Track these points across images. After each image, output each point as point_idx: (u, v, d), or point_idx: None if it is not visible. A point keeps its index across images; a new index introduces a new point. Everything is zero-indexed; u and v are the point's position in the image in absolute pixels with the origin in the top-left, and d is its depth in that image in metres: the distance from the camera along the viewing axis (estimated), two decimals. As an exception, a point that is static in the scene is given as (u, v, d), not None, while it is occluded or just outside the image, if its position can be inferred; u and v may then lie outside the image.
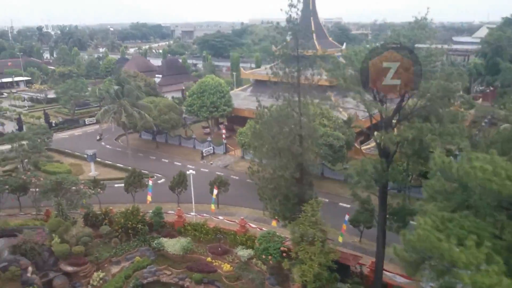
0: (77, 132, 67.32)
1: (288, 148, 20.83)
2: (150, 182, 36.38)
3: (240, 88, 69.36)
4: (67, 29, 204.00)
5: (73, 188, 32.89)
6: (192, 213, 36.44)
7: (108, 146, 59.73)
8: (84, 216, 33.30)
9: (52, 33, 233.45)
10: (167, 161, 53.50)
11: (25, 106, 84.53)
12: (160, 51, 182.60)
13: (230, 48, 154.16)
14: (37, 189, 34.34)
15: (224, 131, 55.73)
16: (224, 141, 55.18)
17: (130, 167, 49.09)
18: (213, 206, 36.28)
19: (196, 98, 55.08)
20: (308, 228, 21.65)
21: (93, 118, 72.43)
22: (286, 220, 24.62)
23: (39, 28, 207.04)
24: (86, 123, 70.96)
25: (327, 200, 39.08)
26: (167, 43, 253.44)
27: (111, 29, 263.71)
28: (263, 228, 33.54)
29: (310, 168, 23.09)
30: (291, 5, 18.83)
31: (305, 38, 20.19)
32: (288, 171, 21.06)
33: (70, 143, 60.39)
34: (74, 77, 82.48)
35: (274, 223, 32.69)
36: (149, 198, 36.11)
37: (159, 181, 45.97)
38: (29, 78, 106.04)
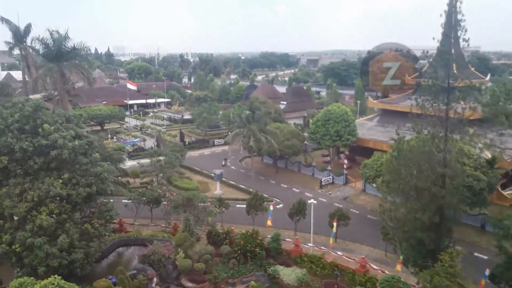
0: (206, 151, 71.93)
1: (429, 189, 18.74)
2: (271, 207, 36.55)
3: (365, 118, 67.03)
4: (205, 55, 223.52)
5: (201, 205, 34.60)
6: (309, 244, 35.46)
7: (232, 167, 62.36)
8: (207, 233, 34.67)
9: (191, 60, 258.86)
10: (285, 186, 53.63)
11: (164, 125, 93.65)
12: (286, 78, 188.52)
13: (355, 76, 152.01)
14: (169, 203, 36.97)
15: (346, 161, 53.94)
16: (345, 172, 53.33)
17: (252, 189, 50.51)
18: (331, 240, 34.79)
19: (320, 125, 54.60)
20: (444, 280, 19.05)
21: (222, 139, 76.97)
22: (417, 267, 22.12)
23: (181, 55, 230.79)
24: (215, 144, 75.44)
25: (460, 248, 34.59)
26: (292, 71, 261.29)
27: (242, 57, 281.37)
28: (386, 271, 30.90)
29: (451, 213, 20.45)
30: (444, 34, 17.20)
31: (459, 68, 18.21)
32: (426, 214, 18.89)
33: (199, 161, 64.63)
34: (209, 101, 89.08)
35: (398, 267, 29.92)
36: (269, 222, 36.21)
37: (277, 206, 46.04)
38: (169, 100, 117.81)
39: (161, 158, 50.62)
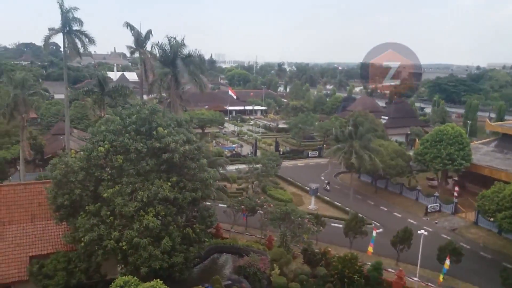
0: (300, 163, 70.67)
1: None
2: (374, 233, 33.93)
3: (481, 141, 60.41)
4: (302, 65, 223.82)
5: (299, 220, 33.33)
6: (414, 278, 32.21)
7: (327, 181, 60.15)
8: (302, 251, 33.23)
9: (287, 69, 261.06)
10: (385, 209, 50.16)
11: (259, 132, 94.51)
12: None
13: (464, 94, 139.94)
14: (265, 214, 36.28)
15: (457, 188, 48.75)
16: (455, 200, 48.19)
17: (348, 208, 48.11)
18: (441, 277, 31.15)
19: (430, 146, 50.16)
20: None
21: (316, 152, 75.21)
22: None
23: (279, 64, 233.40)
24: (309, 155, 73.89)
25: None
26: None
27: (339, 68, 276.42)
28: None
29: None
30: None
31: None
32: None
33: (293, 172, 63.56)
34: (305, 111, 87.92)
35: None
36: (370, 249, 33.66)
37: (376, 230, 42.97)
38: (266, 108, 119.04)
39: (258, 166, 50.49)
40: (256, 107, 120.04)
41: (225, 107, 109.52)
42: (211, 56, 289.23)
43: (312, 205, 48.55)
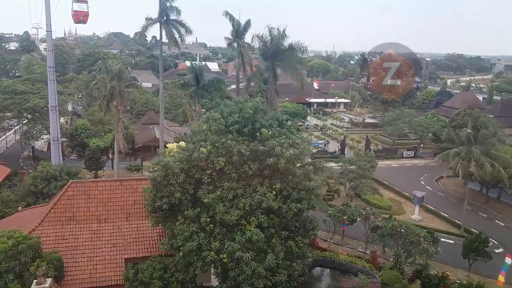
0: (394, 163, 64.85)
1: None
2: (509, 260, 28.40)
3: None
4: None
5: (413, 238, 28.88)
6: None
7: (428, 188, 54.14)
8: (415, 273, 28.83)
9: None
10: (502, 224, 43.46)
11: (344, 127, 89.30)
12: (481, 85, 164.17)
13: None
14: (371, 228, 32.22)
15: None
16: None
17: (457, 221, 42.38)
18: None
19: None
20: None
21: (411, 151, 68.75)
22: None
23: (362, 54, 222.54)
24: (404, 155, 67.70)
25: None
26: (484, 77, 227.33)
27: (427, 59, 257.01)
28: None
29: None
30: None
31: None
32: None
33: (386, 174, 58.18)
34: (398, 107, 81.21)
35: None
36: (501, 278, 28.29)
37: (495, 250, 36.98)
38: (349, 101, 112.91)
39: (352, 167, 46.28)
40: (339, 100, 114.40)
41: (307, 99, 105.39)
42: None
43: (415, 214, 43.38)
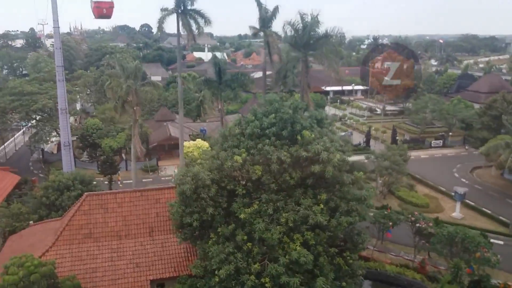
0: (423, 154, 61.11)
1: None
2: None
3: None
4: (400, 38, 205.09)
5: (472, 247, 25.52)
6: None
7: (463, 180, 50.48)
8: (471, 284, 25.56)
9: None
10: (554, 221, 39.79)
11: (364, 116, 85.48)
12: (501, 66, 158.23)
13: None
14: (422, 235, 28.90)
15: None
16: None
17: (504, 218, 38.95)
18: None
19: None
20: None
21: (440, 141, 64.93)
22: None
23: (374, 38, 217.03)
24: (432, 145, 63.94)
25: None
26: (499, 57, 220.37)
27: (441, 41, 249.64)
28: None
29: None
30: None
31: None
32: None
33: (417, 166, 54.47)
34: (421, 93, 77.13)
35: None
36: None
37: None
38: (367, 88, 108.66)
39: (386, 162, 42.77)
40: (356, 87, 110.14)
41: (322, 87, 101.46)
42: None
43: (457, 212, 39.94)
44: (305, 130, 21.36)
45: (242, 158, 20.88)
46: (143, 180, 49.95)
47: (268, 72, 41.63)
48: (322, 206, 20.10)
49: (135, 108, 33.52)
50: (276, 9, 34.33)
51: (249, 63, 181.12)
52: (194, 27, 33.71)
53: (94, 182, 33.15)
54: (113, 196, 26.61)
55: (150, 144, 55.33)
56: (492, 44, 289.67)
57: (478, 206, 41.66)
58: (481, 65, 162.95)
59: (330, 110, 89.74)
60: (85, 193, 26.55)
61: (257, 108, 23.11)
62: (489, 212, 40.65)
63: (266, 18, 33.99)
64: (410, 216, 29.41)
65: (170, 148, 59.02)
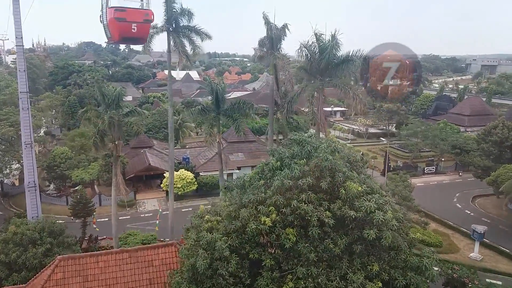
0: (417, 182, 57.89)
1: None
2: None
3: None
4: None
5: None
6: None
7: (467, 212, 47.52)
8: None
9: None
10: None
11: (348, 139, 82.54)
12: (460, 86, 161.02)
13: None
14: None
15: None
16: None
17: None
18: None
19: None
20: None
21: (432, 167, 62.32)
22: None
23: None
24: (425, 172, 61.18)
25: None
26: (461, 78, 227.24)
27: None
28: None
29: None
30: None
31: None
32: None
33: (415, 196, 51.05)
34: (405, 116, 75.05)
35: None
36: None
37: None
38: (346, 109, 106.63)
39: (393, 198, 38.83)
40: (335, 108, 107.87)
41: (302, 109, 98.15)
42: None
43: (475, 253, 36.42)
44: (350, 181, 16.91)
45: (271, 219, 16.14)
46: (120, 218, 43.98)
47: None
48: (378, 284, 15.57)
49: (116, 143, 28.16)
50: (284, 27, 30.06)
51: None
52: (188, 47, 29.06)
53: (66, 235, 27.29)
54: (94, 259, 21.04)
55: (127, 175, 49.44)
56: (453, 65, 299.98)
57: (496, 245, 38.33)
58: (450, 85, 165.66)
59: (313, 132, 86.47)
60: (58, 257, 20.85)
61: (282, 151, 18.47)
62: (508, 251, 37.39)
63: (274, 38, 29.66)
64: (449, 270, 25.31)
65: (149, 178, 53.33)
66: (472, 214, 46.98)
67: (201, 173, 51.88)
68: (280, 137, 41.09)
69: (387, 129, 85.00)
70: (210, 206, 20.64)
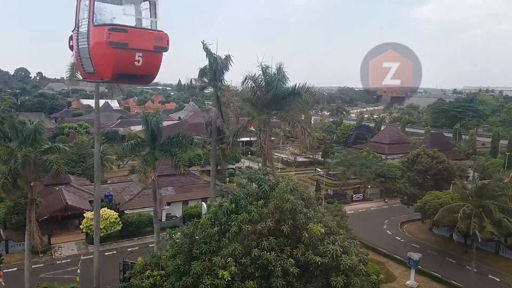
0: (348, 209, 58.81)
1: None
2: None
3: None
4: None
5: None
6: None
7: (398, 238, 48.87)
8: None
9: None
10: (498, 280, 39.06)
11: (278, 168, 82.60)
12: (375, 116, 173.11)
13: (465, 118, 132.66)
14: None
15: None
16: None
17: (455, 282, 37.00)
18: None
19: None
20: None
21: (360, 194, 64.08)
22: None
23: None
24: (353, 199, 62.65)
25: None
26: (374, 108, 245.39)
27: (325, 93, 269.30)
28: None
29: None
30: None
31: None
32: None
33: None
34: (330, 144, 77.25)
35: None
36: None
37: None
38: (273, 138, 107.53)
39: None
40: (253, 138, 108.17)
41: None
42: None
43: (411, 280, 36.88)
44: (312, 223, 15.47)
45: (229, 272, 14.02)
46: (32, 266, 38.19)
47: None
48: None
49: (32, 184, 24.07)
50: (228, 58, 28.50)
51: (145, 111, 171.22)
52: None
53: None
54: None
55: (41, 217, 43.60)
56: (366, 96, 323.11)
57: (428, 271, 39.29)
58: (366, 116, 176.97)
59: (244, 163, 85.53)
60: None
61: (236, 190, 16.60)
62: (439, 276, 38.47)
63: (217, 70, 27.93)
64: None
65: (66, 219, 47.70)
66: (402, 240, 48.35)
67: (126, 211, 47.68)
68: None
69: (314, 158, 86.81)
70: (149, 258, 17.88)
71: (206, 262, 14.52)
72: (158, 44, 16.05)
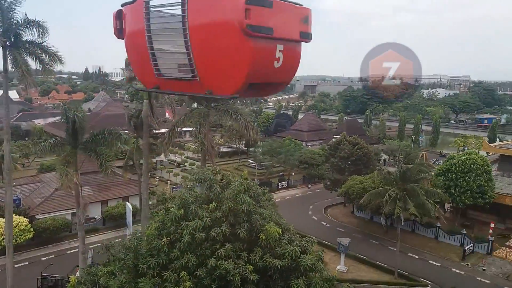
0: (275, 197, 59.20)
1: None
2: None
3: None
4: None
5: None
6: None
7: (324, 223, 50.43)
8: None
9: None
10: (416, 256, 42.08)
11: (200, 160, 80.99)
12: (291, 104, 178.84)
13: (372, 104, 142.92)
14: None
15: (493, 224, 42.84)
16: (491, 238, 42.18)
17: (381, 263, 39.10)
18: None
19: (454, 178, 43.58)
20: None
21: (285, 182, 65.13)
22: None
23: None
24: (279, 187, 63.49)
25: None
26: (289, 96, 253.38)
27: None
28: None
29: None
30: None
31: None
32: None
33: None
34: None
35: None
36: None
37: (428, 291, 34.44)
38: (193, 129, 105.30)
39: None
40: (184, 129, 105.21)
41: (155, 131, 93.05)
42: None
43: (341, 265, 38.10)
44: (268, 224, 14.56)
45: (184, 288, 12.56)
46: None
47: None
48: None
49: None
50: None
51: (50, 102, 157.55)
52: (35, 66, 22.65)
53: None
54: None
55: None
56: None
57: (356, 254, 40.93)
58: (283, 104, 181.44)
59: (167, 156, 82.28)
60: None
61: (184, 194, 15.03)
62: (366, 258, 40.31)
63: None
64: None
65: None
66: (328, 225, 49.94)
67: (37, 216, 42.93)
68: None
69: (238, 148, 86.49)
70: (83, 276, 15.63)
71: (155, 278, 12.91)
72: (304, 30, 8.95)
